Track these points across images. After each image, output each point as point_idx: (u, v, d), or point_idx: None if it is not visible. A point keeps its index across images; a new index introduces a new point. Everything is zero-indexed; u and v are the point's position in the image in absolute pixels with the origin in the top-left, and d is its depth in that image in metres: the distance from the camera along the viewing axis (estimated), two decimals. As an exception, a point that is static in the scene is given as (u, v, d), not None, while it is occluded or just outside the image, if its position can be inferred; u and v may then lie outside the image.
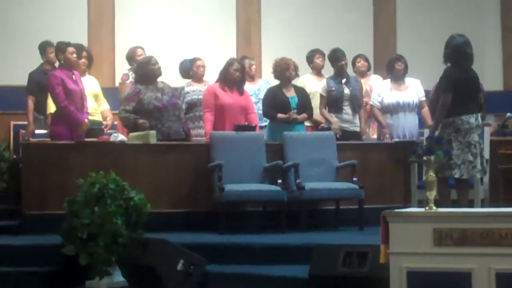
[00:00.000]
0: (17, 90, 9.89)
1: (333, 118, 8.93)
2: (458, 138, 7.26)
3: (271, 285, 6.09)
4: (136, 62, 9.16)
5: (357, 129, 9.09)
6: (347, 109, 9.04)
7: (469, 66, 7.46)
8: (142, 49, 9.81)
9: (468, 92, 7.43)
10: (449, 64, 7.45)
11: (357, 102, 9.08)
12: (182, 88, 9.29)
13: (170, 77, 9.15)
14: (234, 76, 8.63)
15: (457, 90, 7.29)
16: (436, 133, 7.27)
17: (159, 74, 8.48)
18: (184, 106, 9.06)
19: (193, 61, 9.47)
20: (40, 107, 9.25)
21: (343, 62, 9.13)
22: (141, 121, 8.18)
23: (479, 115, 7.52)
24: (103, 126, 9.09)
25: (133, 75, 9.07)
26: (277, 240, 7.08)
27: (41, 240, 7.15)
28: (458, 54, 7.38)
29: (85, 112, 8.40)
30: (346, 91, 9.04)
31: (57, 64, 9.29)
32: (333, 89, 9.02)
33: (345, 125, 9.01)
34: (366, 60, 10.11)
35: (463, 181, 7.37)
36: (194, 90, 9.24)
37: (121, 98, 8.59)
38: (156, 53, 9.00)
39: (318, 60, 9.84)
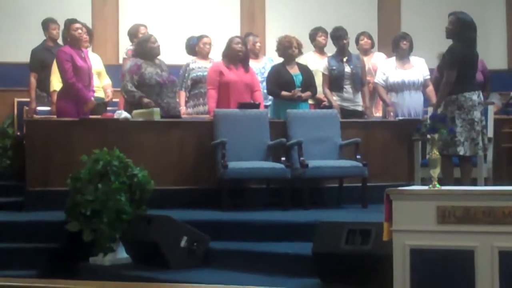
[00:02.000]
0: (20, 67, 9.87)
1: (335, 101, 8.91)
2: (461, 116, 7.24)
3: (274, 262, 6.09)
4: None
5: (359, 108, 9.06)
6: (348, 87, 9.01)
7: (474, 44, 7.42)
8: (145, 27, 9.80)
9: (471, 70, 7.41)
10: (453, 41, 7.41)
11: (359, 80, 9.05)
12: (187, 65, 9.29)
13: (174, 55, 9.14)
14: (237, 50, 8.57)
15: (462, 67, 7.26)
16: (439, 110, 7.25)
17: (158, 53, 8.46)
18: (189, 83, 9.07)
19: (200, 38, 9.46)
20: (43, 84, 9.25)
21: (345, 41, 9.09)
22: (146, 100, 8.15)
23: (481, 92, 7.50)
24: (106, 100, 9.12)
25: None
26: (280, 218, 7.09)
27: (45, 217, 7.17)
28: (465, 31, 7.32)
29: (91, 89, 8.40)
30: (347, 69, 9.01)
31: (59, 41, 9.29)
32: (334, 67, 8.99)
33: (345, 103, 8.99)
34: (370, 37, 10.04)
35: (467, 159, 7.37)
36: (200, 67, 9.22)
37: (124, 71, 8.56)
38: (159, 31, 9.00)
39: (320, 39, 9.79)
